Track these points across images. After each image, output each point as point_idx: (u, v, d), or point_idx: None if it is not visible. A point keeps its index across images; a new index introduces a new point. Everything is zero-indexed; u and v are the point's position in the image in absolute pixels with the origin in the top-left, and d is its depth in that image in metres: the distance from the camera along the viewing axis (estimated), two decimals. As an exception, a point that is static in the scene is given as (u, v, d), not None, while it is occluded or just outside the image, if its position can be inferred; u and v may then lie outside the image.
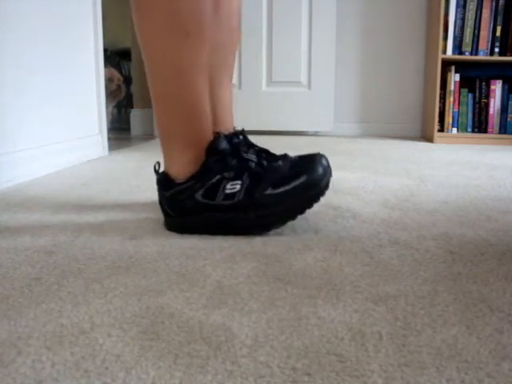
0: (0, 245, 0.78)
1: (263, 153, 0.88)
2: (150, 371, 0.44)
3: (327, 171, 0.84)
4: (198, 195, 0.83)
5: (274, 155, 0.89)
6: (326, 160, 0.87)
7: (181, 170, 0.85)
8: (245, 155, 0.85)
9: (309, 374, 0.43)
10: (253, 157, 0.85)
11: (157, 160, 0.92)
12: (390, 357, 0.46)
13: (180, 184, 0.84)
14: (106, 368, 0.44)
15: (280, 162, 0.85)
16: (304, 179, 0.81)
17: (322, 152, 0.91)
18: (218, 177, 0.83)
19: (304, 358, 0.46)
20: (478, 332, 0.51)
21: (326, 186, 0.84)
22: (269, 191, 0.82)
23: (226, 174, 0.83)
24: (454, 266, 0.70)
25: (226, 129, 0.95)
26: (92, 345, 0.48)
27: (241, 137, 0.87)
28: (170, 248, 0.77)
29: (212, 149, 0.84)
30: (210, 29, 0.84)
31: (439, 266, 0.70)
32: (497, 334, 0.50)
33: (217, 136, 0.85)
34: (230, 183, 0.82)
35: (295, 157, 0.90)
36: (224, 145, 0.84)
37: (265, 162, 0.85)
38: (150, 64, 0.85)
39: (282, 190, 0.82)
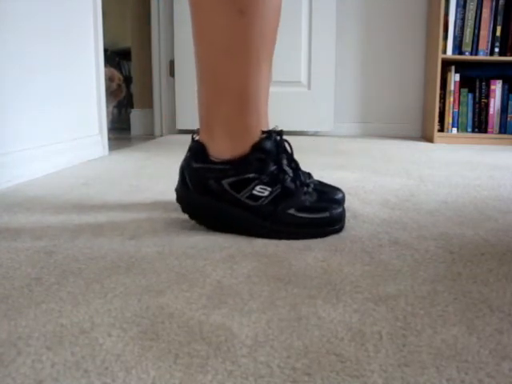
0: (0, 245, 0.78)
1: (293, 162, 0.88)
2: (150, 371, 0.44)
3: (344, 214, 0.88)
4: (226, 182, 0.82)
5: (301, 171, 0.88)
6: (344, 198, 0.93)
7: (221, 151, 0.83)
8: (284, 167, 0.84)
9: (309, 374, 0.43)
10: (290, 171, 0.85)
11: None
12: (390, 357, 0.46)
13: (214, 163, 0.83)
14: (106, 368, 0.44)
15: (310, 189, 0.87)
16: (325, 216, 0.84)
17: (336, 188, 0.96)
18: (253, 175, 0.82)
19: (304, 358, 0.46)
20: (478, 332, 0.51)
21: (341, 229, 0.87)
22: (291, 211, 0.82)
23: (262, 177, 0.82)
24: (454, 266, 0.70)
25: (263, 123, 0.93)
26: (92, 345, 0.48)
27: (279, 138, 0.86)
28: (170, 248, 0.77)
29: (258, 147, 0.83)
30: (263, 9, 0.81)
31: (439, 265, 0.70)
32: (497, 333, 0.50)
33: (266, 135, 0.84)
34: (261, 186, 0.82)
35: (318, 183, 0.93)
36: (270, 146, 0.83)
37: (298, 182, 0.85)
38: (201, 42, 0.82)
39: (303, 215, 0.83)
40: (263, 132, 0.85)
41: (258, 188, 0.82)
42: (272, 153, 0.83)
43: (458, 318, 0.54)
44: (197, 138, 0.87)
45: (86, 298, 0.59)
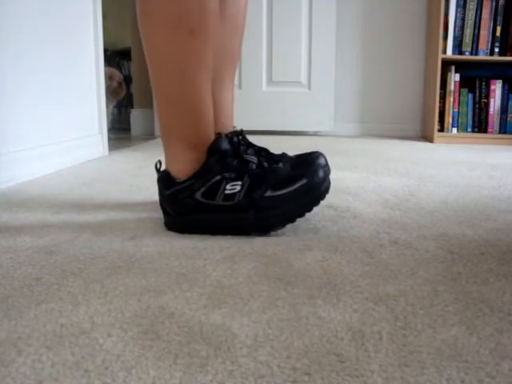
0: (0, 245, 0.78)
1: (262, 151, 0.88)
2: (150, 371, 0.44)
3: (327, 173, 0.84)
4: (198, 195, 0.83)
5: (273, 155, 0.89)
6: (325, 159, 0.87)
7: (182, 169, 0.85)
8: (246, 156, 0.85)
9: (309, 374, 0.43)
10: (253, 158, 0.85)
11: (157, 159, 0.92)
12: (390, 357, 0.46)
13: (180, 183, 0.84)
14: (106, 368, 0.44)
15: (280, 164, 0.85)
16: (304, 182, 0.81)
17: (321, 151, 0.91)
18: (218, 177, 0.83)
19: (304, 358, 0.46)
20: (478, 332, 0.51)
21: (327, 190, 0.84)
22: (269, 193, 0.82)
23: (226, 175, 0.83)
24: (454, 266, 0.70)
25: (227, 130, 0.95)
26: (92, 345, 0.48)
27: (240, 137, 0.87)
28: (170, 248, 0.77)
29: (213, 149, 0.84)
30: (215, 28, 0.84)
31: (439, 265, 0.70)
32: (497, 333, 0.50)
33: (218, 136, 0.85)
34: (230, 184, 0.82)
35: (294, 156, 0.90)
36: (225, 145, 0.84)
37: (265, 164, 0.85)
38: (153, 63, 0.84)
39: (281, 192, 0.81)
40: (216, 134, 0.87)
41: (228, 187, 0.82)
42: (228, 150, 0.84)
43: (458, 318, 0.54)
44: (161, 168, 0.89)
45: (86, 297, 0.59)
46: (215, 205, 0.83)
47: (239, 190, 0.82)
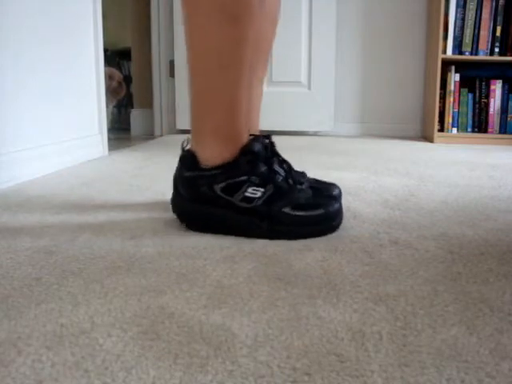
0: (0, 245, 0.78)
1: (285, 163, 0.88)
2: (150, 371, 0.44)
3: (341, 209, 0.87)
4: (218, 187, 0.83)
5: (295, 171, 0.89)
6: (341, 193, 0.92)
7: (209, 158, 0.84)
8: (275, 167, 0.85)
9: (309, 374, 0.43)
10: (281, 171, 0.85)
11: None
12: (390, 357, 0.46)
13: (204, 169, 0.84)
14: (106, 368, 0.44)
15: (304, 186, 0.86)
16: (321, 212, 0.84)
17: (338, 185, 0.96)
18: (244, 177, 0.82)
19: (304, 358, 0.46)
20: (478, 332, 0.51)
21: (338, 225, 0.86)
22: (287, 210, 0.82)
23: (252, 178, 0.82)
24: (454, 266, 0.70)
25: (255, 129, 0.94)
26: (92, 345, 0.48)
27: (267, 141, 0.86)
28: (170, 248, 0.77)
29: (247, 149, 0.83)
30: (258, 18, 0.82)
31: (439, 266, 0.70)
32: (497, 333, 0.50)
33: (254, 138, 0.85)
34: (253, 188, 0.82)
35: (313, 180, 0.93)
36: (258, 148, 0.84)
37: (291, 181, 0.85)
38: (193, 49, 0.83)
39: (299, 213, 0.83)
40: (251, 135, 0.86)
41: (250, 190, 0.82)
42: (261, 154, 0.84)
43: (458, 318, 0.54)
44: (187, 147, 0.88)
45: (86, 297, 0.59)
46: (232, 202, 0.82)
47: (259, 197, 0.82)
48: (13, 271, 0.67)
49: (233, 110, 0.84)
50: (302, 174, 0.91)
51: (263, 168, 0.83)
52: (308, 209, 0.83)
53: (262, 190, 0.82)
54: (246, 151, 0.83)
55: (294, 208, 0.83)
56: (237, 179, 0.82)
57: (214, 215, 0.84)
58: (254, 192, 0.82)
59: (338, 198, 0.90)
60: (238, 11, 0.79)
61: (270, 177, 0.84)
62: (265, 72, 0.99)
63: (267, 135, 0.87)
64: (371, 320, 0.53)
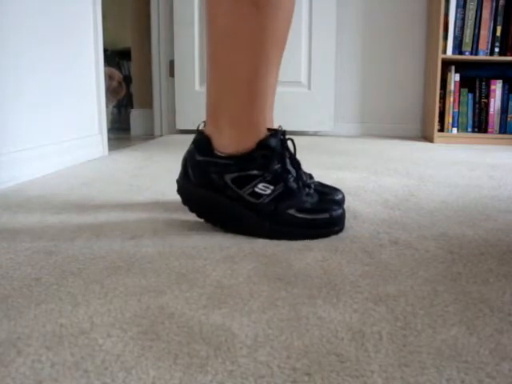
0: (0, 245, 0.78)
1: (295, 163, 0.87)
2: (149, 371, 0.44)
3: (344, 215, 0.87)
4: (228, 177, 0.82)
5: (302, 173, 0.88)
6: (344, 198, 0.93)
7: (224, 145, 0.83)
8: (288, 166, 0.84)
9: (309, 374, 0.43)
10: (293, 171, 0.85)
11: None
12: (390, 357, 0.46)
13: (218, 157, 0.83)
14: (106, 368, 0.44)
15: (311, 190, 0.86)
16: (325, 217, 0.84)
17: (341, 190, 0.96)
18: (256, 172, 0.82)
19: (304, 358, 0.46)
20: (478, 332, 0.51)
21: (340, 230, 0.86)
22: (292, 211, 0.82)
23: (265, 174, 0.82)
24: (454, 266, 0.70)
25: (270, 123, 0.92)
26: (92, 345, 0.48)
27: (282, 137, 0.85)
28: (170, 248, 0.77)
29: (264, 144, 0.82)
30: (281, 9, 0.81)
31: (439, 266, 0.70)
32: (497, 334, 0.50)
33: (273, 132, 0.84)
34: (263, 184, 0.82)
35: (318, 184, 0.93)
36: (275, 143, 0.83)
37: (300, 183, 0.85)
38: (212, 33, 0.82)
39: (303, 216, 0.82)
40: (269, 129, 0.85)
41: (260, 185, 0.82)
42: (277, 151, 0.83)
43: (458, 318, 0.54)
44: (202, 129, 0.87)
45: (86, 298, 0.59)
46: (240, 195, 0.82)
47: (268, 194, 0.82)
48: (12, 271, 0.67)
49: (250, 95, 0.83)
50: (310, 176, 0.91)
51: (277, 165, 0.83)
52: (313, 213, 0.83)
53: (272, 187, 0.82)
54: (263, 145, 0.82)
55: (300, 211, 0.83)
56: (249, 172, 0.82)
57: (219, 204, 0.83)
58: (264, 188, 0.82)
59: (341, 203, 0.90)
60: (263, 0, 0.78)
61: (283, 176, 0.83)
62: (280, 64, 0.98)
63: (283, 131, 0.86)
64: (371, 320, 0.53)
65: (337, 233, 0.85)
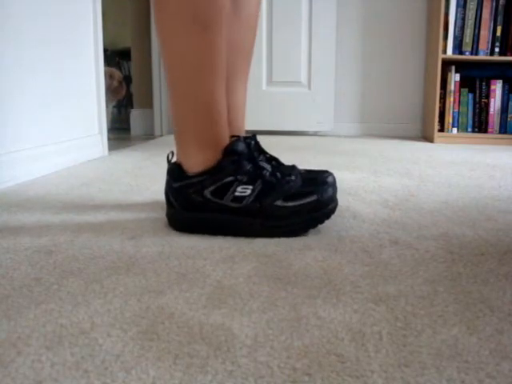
0: (0, 245, 0.78)
1: (273, 160, 0.88)
2: (149, 371, 0.43)
3: (335, 193, 0.86)
4: (207, 192, 0.83)
5: (283, 165, 0.89)
6: (334, 179, 0.89)
7: (194, 165, 0.85)
8: (260, 163, 0.85)
9: (309, 374, 0.43)
10: (267, 166, 0.86)
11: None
12: (390, 357, 0.46)
13: (191, 177, 0.84)
14: (106, 368, 0.44)
15: (293, 177, 0.86)
16: (314, 199, 0.83)
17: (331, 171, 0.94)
18: (230, 178, 0.83)
19: (304, 358, 0.46)
20: (478, 332, 0.51)
21: (333, 209, 0.86)
22: (279, 202, 0.82)
23: (239, 177, 0.83)
24: (454, 266, 0.70)
25: (238, 131, 0.95)
26: (92, 345, 0.48)
27: (253, 142, 0.87)
28: (170, 248, 0.77)
29: (230, 150, 0.84)
30: (227, 25, 0.84)
31: (439, 266, 0.70)
32: (497, 334, 0.50)
33: (236, 138, 0.85)
34: (242, 187, 0.83)
35: (304, 171, 0.92)
36: (242, 147, 0.84)
37: (278, 174, 0.85)
38: (168, 58, 0.84)
39: (292, 204, 0.83)
40: (232, 136, 0.87)
41: (239, 189, 0.82)
42: (244, 153, 0.84)
43: (458, 318, 0.54)
44: (172, 160, 0.89)
45: (86, 298, 0.59)
46: (223, 204, 0.83)
47: (249, 194, 0.82)
48: (12, 271, 0.67)
49: (211, 115, 0.85)
50: (292, 167, 0.91)
51: (248, 166, 0.84)
52: (300, 198, 0.83)
53: (251, 187, 0.83)
54: (229, 151, 0.84)
55: (286, 199, 0.83)
56: (224, 180, 0.83)
57: (207, 221, 0.84)
58: (244, 190, 0.82)
59: (330, 183, 0.88)
60: (207, 20, 0.80)
61: (257, 173, 0.84)
62: (246, 76, 1.02)
63: (251, 135, 0.88)
64: (371, 320, 0.53)
65: (330, 213, 0.85)
